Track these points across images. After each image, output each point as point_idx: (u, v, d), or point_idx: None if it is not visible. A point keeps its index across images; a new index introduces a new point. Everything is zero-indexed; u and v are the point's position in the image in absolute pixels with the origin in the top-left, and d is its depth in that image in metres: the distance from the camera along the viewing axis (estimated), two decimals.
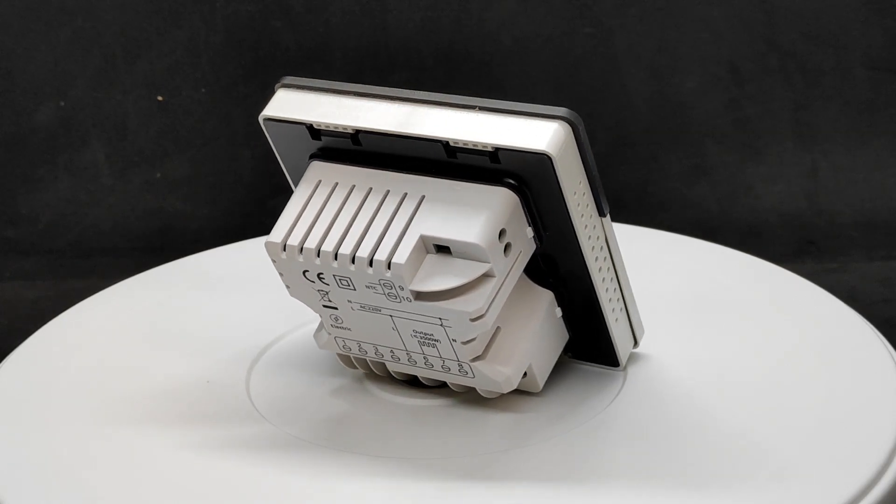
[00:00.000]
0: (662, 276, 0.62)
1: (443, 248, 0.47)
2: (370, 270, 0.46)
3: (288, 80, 0.50)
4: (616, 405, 0.51)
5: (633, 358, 0.54)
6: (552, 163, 0.45)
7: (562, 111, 0.46)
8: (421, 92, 0.48)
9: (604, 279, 0.50)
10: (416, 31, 0.88)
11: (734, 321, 0.57)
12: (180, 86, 0.88)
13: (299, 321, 0.58)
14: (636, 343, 0.53)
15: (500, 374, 0.49)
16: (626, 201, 0.88)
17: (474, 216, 0.46)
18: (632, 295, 0.52)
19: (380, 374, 0.53)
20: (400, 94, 0.48)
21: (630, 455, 0.48)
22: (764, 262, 0.63)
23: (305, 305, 0.50)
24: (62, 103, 0.88)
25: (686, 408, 0.51)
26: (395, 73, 0.88)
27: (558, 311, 0.51)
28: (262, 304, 0.60)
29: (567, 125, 0.46)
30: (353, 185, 0.48)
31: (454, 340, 0.48)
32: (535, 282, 0.50)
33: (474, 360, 0.48)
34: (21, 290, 0.83)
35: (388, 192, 0.47)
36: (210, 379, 0.55)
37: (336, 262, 0.47)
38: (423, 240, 0.46)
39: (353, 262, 0.47)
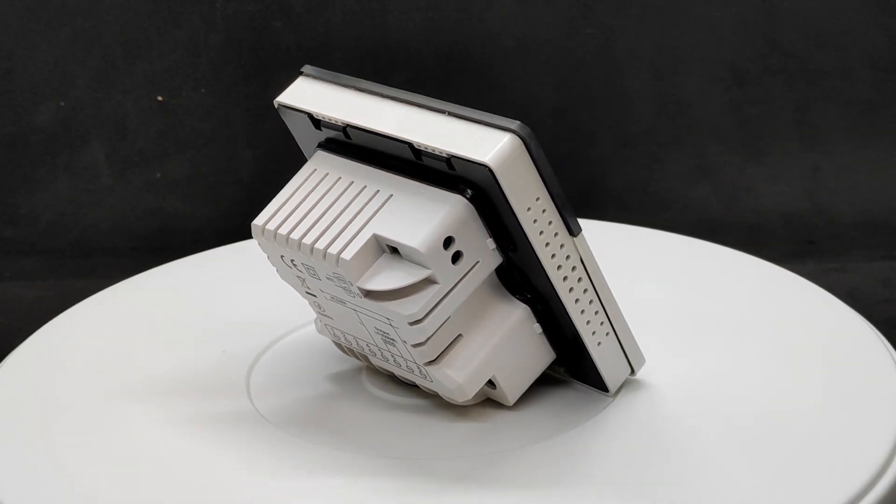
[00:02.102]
0: (663, 276, 0.62)
1: (396, 249, 0.46)
2: (325, 263, 0.47)
3: (307, 69, 0.51)
4: (614, 404, 0.51)
5: None
6: (494, 175, 0.44)
7: (514, 124, 0.45)
8: (408, 92, 0.48)
9: (577, 300, 0.48)
10: (417, 31, 0.88)
11: (734, 321, 0.57)
12: (180, 86, 0.88)
13: (300, 321, 0.58)
14: (633, 371, 0.51)
15: (452, 381, 0.48)
16: (627, 201, 0.89)
17: (422, 221, 0.46)
18: (624, 322, 0.50)
19: (372, 367, 0.53)
20: (391, 94, 0.48)
21: (615, 460, 0.48)
22: (764, 262, 0.63)
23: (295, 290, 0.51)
24: (62, 103, 0.88)
25: (683, 406, 0.51)
26: (395, 74, 0.88)
27: (537, 328, 0.49)
28: (263, 304, 0.60)
29: (517, 139, 0.44)
30: (339, 178, 0.48)
31: (405, 342, 0.47)
32: (515, 295, 0.49)
33: (428, 363, 0.48)
34: (21, 290, 0.83)
35: (365, 187, 0.47)
36: (225, 349, 0.56)
37: (300, 251, 0.47)
38: (377, 239, 0.46)
39: (311, 252, 0.47)
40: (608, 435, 0.49)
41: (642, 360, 0.51)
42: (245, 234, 0.69)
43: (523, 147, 0.45)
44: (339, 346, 0.53)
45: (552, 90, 0.89)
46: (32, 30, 0.87)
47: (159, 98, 0.88)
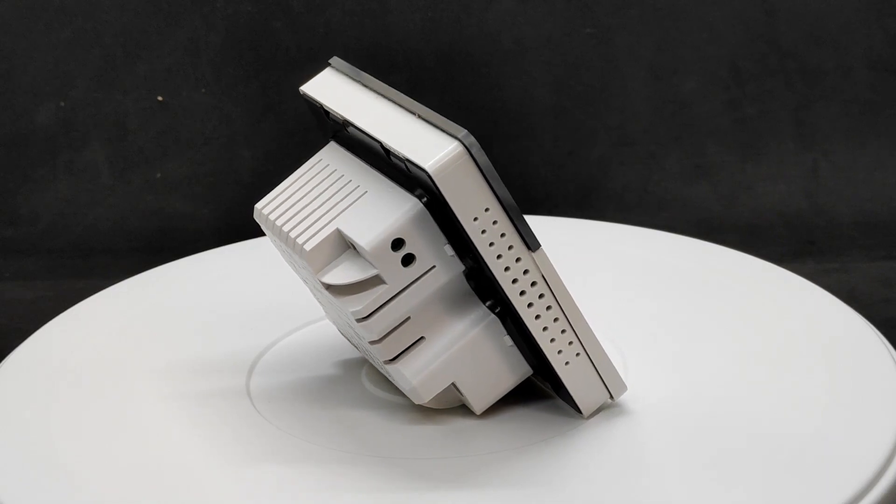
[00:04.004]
0: (662, 276, 0.62)
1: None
2: (295, 252, 0.47)
3: (334, 61, 0.51)
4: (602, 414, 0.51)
5: None
6: (433, 181, 0.44)
7: (460, 132, 0.44)
8: (398, 93, 0.48)
9: (538, 316, 0.47)
10: (417, 31, 0.88)
11: (734, 321, 0.57)
12: (180, 86, 0.88)
13: (300, 321, 0.58)
14: (611, 396, 0.50)
15: (407, 382, 0.48)
16: (626, 201, 0.89)
17: (377, 220, 0.46)
18: (599, 346, 0.49)
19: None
20: (384, 92, 0.48)
21: (608, 462, 0.48)
22: (764, 262, 0.63)
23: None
24: (62, 103, 0.88)
25: (682, 404, 0.51)
26: (395, 74, 0.88)
27: (507, 340, 0.48)
28: (263, 304, 0.60)
29: (460, 146, 0.44)
30: (335, 170, 0.49)
31: (363, 338, 0.47)
32: (487, 304, 0.48)
33: (387, 362, 0.48)
34: (21, 290, 0.83)
35: (349, 182, 0.48)
36: (254, 326, 0.56)
37: (279, 237, 0.48)
38: (340, 234, 0.46)
39: (286, 240, 0.47)
40: (591, 444, 0.49)
41: (623, 387, 0.50)
42: (245, 234, 0.69)
43: (467, 155, 0.44)
44: (343, 333, 0.53)
45: (552, 90, 0.89)
46: (32, 30, 0.87)
47: (159, 98, 0.88)
